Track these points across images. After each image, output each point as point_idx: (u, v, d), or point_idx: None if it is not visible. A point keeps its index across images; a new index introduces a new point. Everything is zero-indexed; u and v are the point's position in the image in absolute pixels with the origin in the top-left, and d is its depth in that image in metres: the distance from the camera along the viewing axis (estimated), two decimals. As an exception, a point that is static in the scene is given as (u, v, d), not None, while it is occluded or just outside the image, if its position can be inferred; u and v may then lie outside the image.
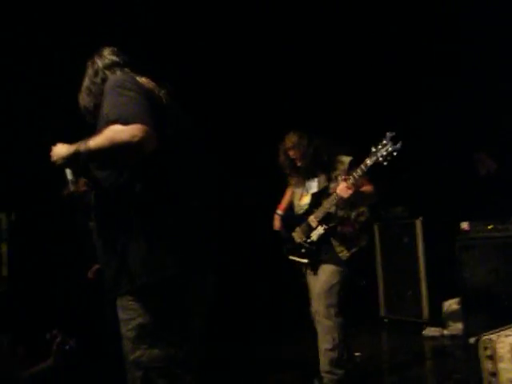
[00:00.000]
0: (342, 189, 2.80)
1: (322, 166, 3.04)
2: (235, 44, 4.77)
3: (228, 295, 5.01)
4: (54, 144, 1.65)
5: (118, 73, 1.74)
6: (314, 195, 3.08)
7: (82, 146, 1.53)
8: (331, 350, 2.89)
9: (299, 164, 3.09)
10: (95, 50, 1.84)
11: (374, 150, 2.68)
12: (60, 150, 1.60)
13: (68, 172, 1.62)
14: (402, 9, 4.80)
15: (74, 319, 3.34)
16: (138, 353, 1.60)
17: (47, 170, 1.79)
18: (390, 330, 4.87)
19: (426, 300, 4.63)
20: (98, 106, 1.71)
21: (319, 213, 2.99)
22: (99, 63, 1.79)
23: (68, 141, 1.65)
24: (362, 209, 3.06)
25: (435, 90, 5.03)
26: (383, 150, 2.64)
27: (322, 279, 2.98)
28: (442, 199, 4.82)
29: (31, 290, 3.80)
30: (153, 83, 1.73)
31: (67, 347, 2.51)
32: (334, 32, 4.99)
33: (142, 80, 1.70)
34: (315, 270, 3.05)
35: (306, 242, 3.04)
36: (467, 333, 3.98)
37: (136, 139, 1.43)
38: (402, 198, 5.00)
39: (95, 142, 1.51)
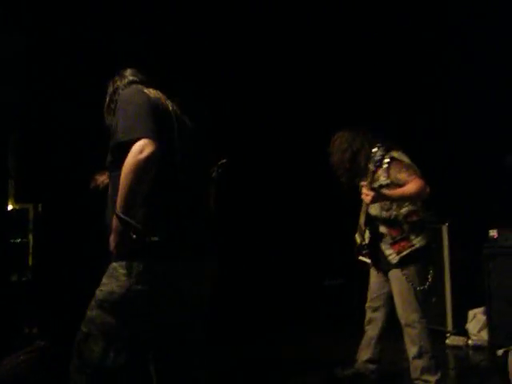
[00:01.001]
0: (364, 194, 2.80)
1: (362, 169, 2.95)
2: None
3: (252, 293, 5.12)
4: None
5: (128, 89, 1.90)
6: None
7: (118, 219, 1.64)
8: (418, 357, 2.85)
9: (347, 166, 3.03)
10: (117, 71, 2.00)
11: (372, 154, 2.74)
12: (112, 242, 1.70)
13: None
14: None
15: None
16: (94, 312, 1.73)
17: (73, 162, 1.83)
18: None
19: (450, 308, 4.51)
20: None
21: (363, 216, 3.02)
22: (118, 82, 1.97)
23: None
24: (412, 207, 2.92)
25: (464, 90, 4.92)
26: (378, 154, 2.70)
27: (396, 286, 2.94)
28: (471, 205, 4.70)
29: (55, 279, 3.86)
30: (161, 94, 1.89)
31: (42, 344, 2.48)
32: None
33: (150, 91, 1.85)
34: (378, 270, 3.09)
35: (362, 244, 3.10)
36: (493, 344, 3.88)
37: (143, 154, 1.62)
38: (430, 202, 4.90)
39: (121, 196, 1.65)
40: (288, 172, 5.60)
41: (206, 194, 1.94)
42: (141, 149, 1.62)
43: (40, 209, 3.57)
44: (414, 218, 2.91)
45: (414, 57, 5.09)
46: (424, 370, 2.84)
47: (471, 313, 4.35)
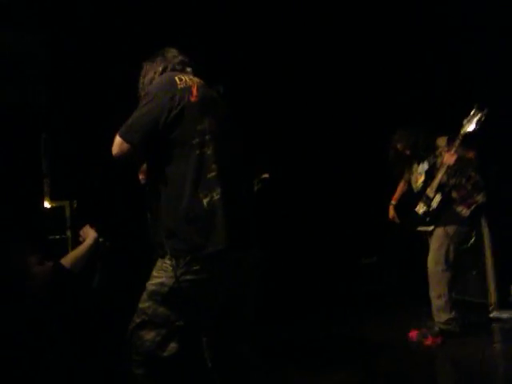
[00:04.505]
0: (448, 157, 3.46)
1: (424, 150, 3.73)
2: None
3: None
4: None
5: (163, 75, 1.92)
6: (426, 172, 3.73)
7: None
8: (437, 298, 3.60)
9: (408, 153, 3.80)
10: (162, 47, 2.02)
11: (465, 121, 3.38)
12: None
13: None
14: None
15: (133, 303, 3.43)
16: (146, 304, 1.80)
17: (108, 159, 1.86)
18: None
19: (493, 281, 4.40)
20: None
21: (434, 184, 3.61)
22: (171, 59, 1.98)
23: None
24: (470, 172, 3.62)
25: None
26: (473, 118, 3.34)
27: (435, 239, 3.66)
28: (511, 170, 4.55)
29: (93, 275, 3.93)
30: (195, 82, 1.87)
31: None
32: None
33: (184, 78, 1.85)
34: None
35: (428, 211, 3.65)
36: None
37: (113, 152, 1.84)
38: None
39: None
40: (324, 154, 5.58)
41: (245, 185, 1.92)
42: (116, 151, 1.83)
43: (75, 205, 3.63)
44: (472, 181, 3.65)
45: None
46: (439, 308, 3.61)
47: (515, 286, 4.24)
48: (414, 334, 3.70)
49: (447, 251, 3.61)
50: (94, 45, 3.89)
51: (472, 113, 3.38)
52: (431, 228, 3.72)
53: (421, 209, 3.72)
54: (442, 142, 3.70)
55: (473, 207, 3.66)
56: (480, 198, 3.69)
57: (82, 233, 2.61)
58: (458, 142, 3.43)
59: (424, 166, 3.78)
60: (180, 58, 1.97)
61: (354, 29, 5.19)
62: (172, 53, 1.99)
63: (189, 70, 1.96)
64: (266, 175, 3.53)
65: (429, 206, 3.66)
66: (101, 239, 2.64)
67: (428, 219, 3.69)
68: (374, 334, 4.09)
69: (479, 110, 3.36)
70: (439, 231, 3.65)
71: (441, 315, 3.61)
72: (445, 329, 3.59)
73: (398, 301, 4.99)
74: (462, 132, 3.41)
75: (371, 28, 5.19)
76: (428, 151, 3.75)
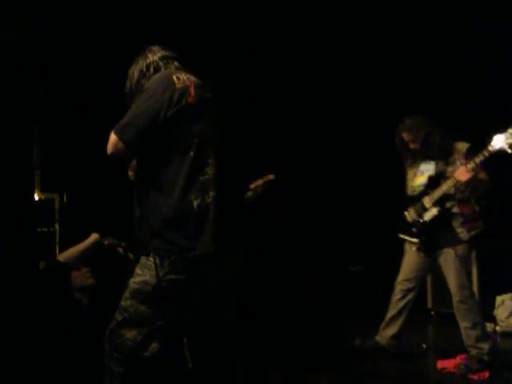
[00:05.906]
0: (461, 172, 2.96)
1: (436, 149, 3.18)
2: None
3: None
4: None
5: (162, 70, 1.91)
6: (430, 177, 3.23)
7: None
8: (471, 328, 3.14)
9: (412, 147, 3.27)
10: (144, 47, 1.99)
11: (497, 137, 2.85)
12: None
13: None
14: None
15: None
16: (128, 302, 1.78)
17: (98, 152, 1.86)
18: (437, 323, 4.73)
19: (477, 294, 4.40)
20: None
21: (435, 194, 3.15)
22: (151, 57, 1.95)
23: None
24: (481, 192, 3.16)
25: None
26: (507, 138, 2.81)
27: (450, 266, 3.16)
28: (498, 188, 4.58)
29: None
30: (192, 80, 1.85)
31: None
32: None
33: (179, 77, 1.83)
34: (427, 252, 3.27)
35: (417, 221, 3.24)
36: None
37: (109, 151, 1.80)
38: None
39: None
40: (314, 160, 5.60)
41: (235, 187, 1.91)
42: (111, 149, 1.79)
43: (65, 199, 3.62)
44: (483, 203, 3.21)
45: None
46: (478, 339, 3.13)
47: (499, 299, 4.29)
48: (449, 364, 3.21)
49: (467, 273, 3.17)
50: (92, 38, 3.90)
51: (510, 131, 2.82)
52: (415, 240, 3.27)
53: (410, 216, 3.29)
54: (461, 147, 3.15)
55: (473, 232, 3.15)
56: (481, 224, 3.19)
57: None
58: (480, 159, 2.89)
59: (429, 167, 3.25)
60: (162, 53, 1.95)
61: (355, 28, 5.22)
62: (152, 50, 1.97)
63: (176, 64, 1.95)
64: (272, 176, 3.32)
65: (420, 215, 3.22)
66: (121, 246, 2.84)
67: (415, 230, 3.25)
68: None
69: None
70: (449, 253, 3.16)
71: (481, 345, 3.12)
72: (489, 360, 3.09)
73: (385, 310, 5.00)
74: (490, 148, 2.85)
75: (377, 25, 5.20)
76: (440, 153, 3.18)
